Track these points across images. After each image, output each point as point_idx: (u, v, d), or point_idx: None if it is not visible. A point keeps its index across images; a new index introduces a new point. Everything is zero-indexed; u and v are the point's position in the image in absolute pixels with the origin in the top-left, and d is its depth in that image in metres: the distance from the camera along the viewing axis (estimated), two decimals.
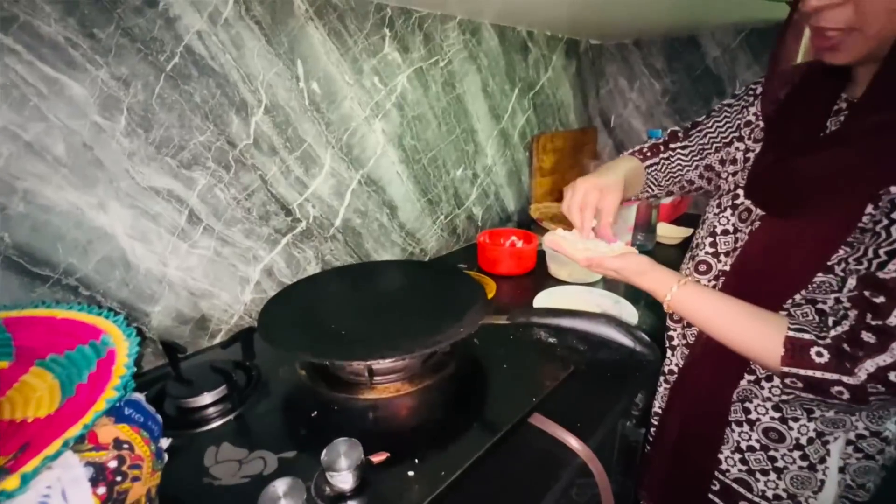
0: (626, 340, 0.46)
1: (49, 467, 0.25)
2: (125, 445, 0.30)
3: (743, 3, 0.95)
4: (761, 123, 0.57)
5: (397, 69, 0.92)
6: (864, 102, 0.45)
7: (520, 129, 1.30)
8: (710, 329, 0.50)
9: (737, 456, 0.57)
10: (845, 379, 0.40)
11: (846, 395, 0.41)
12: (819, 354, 0.42)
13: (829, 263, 0.45)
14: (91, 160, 0.58)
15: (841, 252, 0.45)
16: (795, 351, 0.43)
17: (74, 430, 0.26)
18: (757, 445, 0.55)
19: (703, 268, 0.59)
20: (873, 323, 0.40)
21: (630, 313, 0.79)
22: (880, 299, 0.40)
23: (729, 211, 0.57)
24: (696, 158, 0.67)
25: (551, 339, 0.69)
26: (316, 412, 0.48)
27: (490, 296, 0.89)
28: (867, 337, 0.40)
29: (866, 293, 0.41)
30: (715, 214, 0.59)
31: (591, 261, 0.55)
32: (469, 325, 0.49)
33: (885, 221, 0.41)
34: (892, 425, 0.50)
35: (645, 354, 0.46)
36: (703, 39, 1.32)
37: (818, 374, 0.42)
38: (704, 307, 0.50)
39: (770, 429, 0.54)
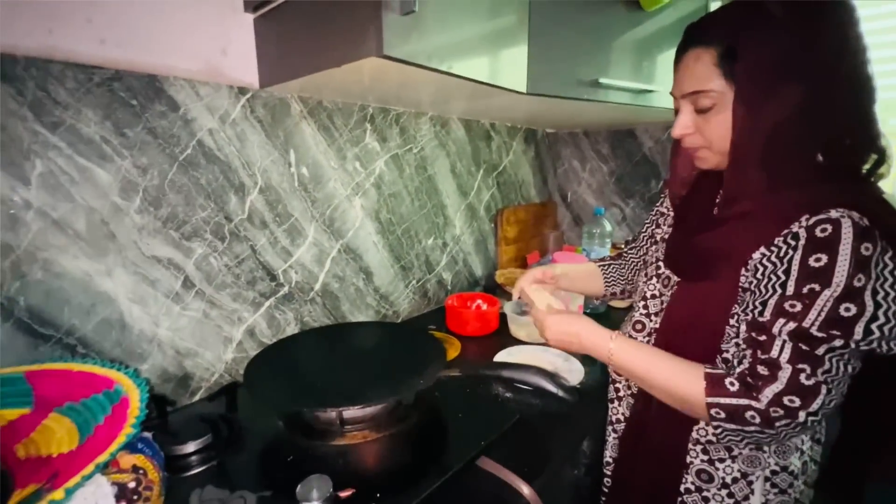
0: (550, 387, 0.55)
1: (84, 485, 0.32)
2: (141, 471, 0.37)
3: (663, 112, 1.18)
4: (671, 214, 0.73)
5: (376, 155, 1.07)
6: (724, 197, 0.59)
7: (485, 203, 1.46)
8: (644, 376, 0.59)
9: (678, 498, 0.64)
10: (753, 403, 0.50)
11: (757, 420, 0.50)
12: (731, 384, 0.52)
13: (729, 316, 0.57)
14: (106, 234, 0.68)
15: (734, 308, 0.56)
16: (714, 382, 0.53)
17: (103, 457, 0.33)
18: (692, 487, 0.63)
19: (638, 326, 0.70)
20: (762, 357, 0.51)
21: (577, 369, 0.88)
22: (762, 338, 0.51)
23: (654, 279, 0.69)
24: (641, 254, 0.83)
25: (508, 394, 0.78)
26: (292, 457, 0.55)
27: (455, 354, 0.98)
28: (762, 370, 0.50)
29: (753, 334, 0.52)
30: (644, 282, 0.72)
31: (533, 314, 0.68)
32: (427, 379, 0.57)
33: (755, 280, 0.54)
34: (795, 460, 0.59)
35: (567, 399, 0.55)
36: (639, 132, 1.56)
37: (733, 400, 0.51)
38: (636, 357, 0.60)
39: (701, 470, 0.62)
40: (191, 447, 0.56)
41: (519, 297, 0.76)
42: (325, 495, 0.44)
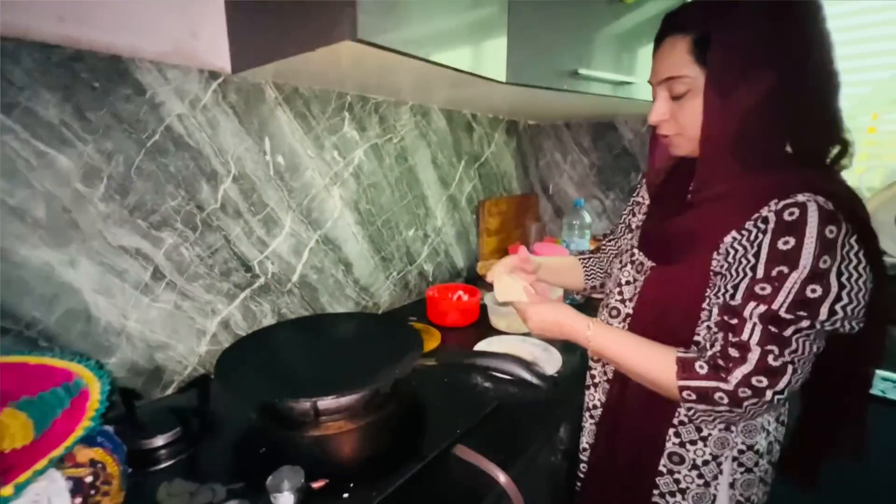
0: (525, 375, 0.56)
1: (37, 480, 0.30)
2: (99, 465, 0.35)
3: (643, 104, 1.19)
4: (647, 203, 0.74)
5: (355, 144, 1.05)
6: (697, 182, 0.61)
7: (467, 195, 1.46)
8: (621, 360, 0.61)
9: (653, 481, 0.65)
10: (721, 385, 0.52)
11: (726, 400, 0.52)
12: (701, 367, 0.53)
13: (701, 299, 0.58)
14: (68, 222, 0.65)
15: (706, 291, 0.58)
16: (685, 366, 0.54)
17: (58, 451, 0.32)
18: (664, 470, 0.64)
19: (614, 312, 0.71)
20: (734, 340, 0.52)
21: (556, 358, 0.89)
22: (734, 321, 0.53)
23: (629, 265, 0.71)
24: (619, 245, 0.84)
25: (487, 384, 0.78)
26: (265, 449, 0.54)
27: (435, 345, 0.98)
28: (732, 352, 0.52)
29: (725, 318, 0.54)
30: (619, 269, 0.73)
31: (515, 306, 0.68)
32: (403, 368, 0.57)
33: (726, 264, 0.56)
34: (761, 440, 0.61)
35: (541, 387, 0.55)
36: (620, 125, 1.58)
37: (703, 383, 0.53)
38: (613, 342, 0.61)
39: (673, 453, 0.63)
40: (159, 441, 0.55)
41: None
42: (296, 486, 0.43)
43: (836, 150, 0.55)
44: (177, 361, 0.80)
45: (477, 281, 1.40)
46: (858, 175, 1.25)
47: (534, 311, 0.67)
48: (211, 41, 0.77)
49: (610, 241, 0.88)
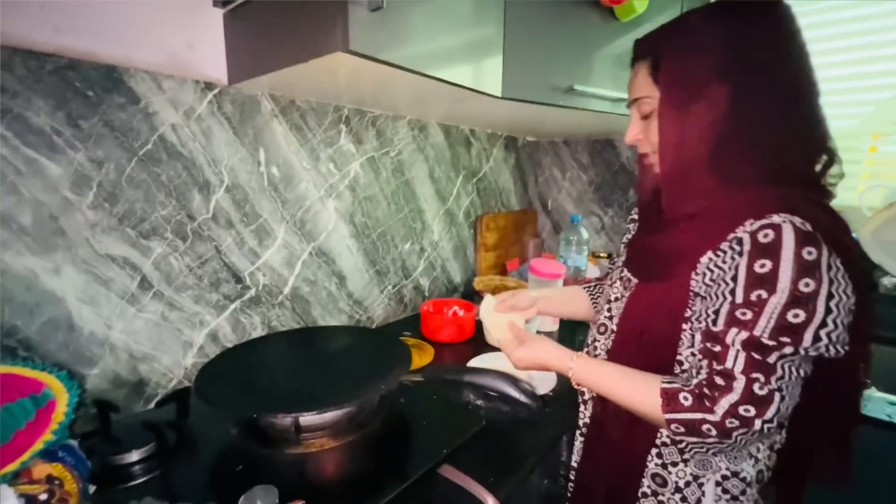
0: (513, 392, 0.54)
1: None
2: (56, 482, 0.33)
3: None
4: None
5: (351, 157, 1.05)
6: (664, 201, 0.60)
7: (464, 209, 1.45)
8: (606, 393, 0.60)
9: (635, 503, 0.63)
10: (708, 416, 0.49)
11: (714, 432, 0.50)
12: (685, 399, 0.51)
13: (681, 321, 0.56)
14: (54, 229, 0.64)
15: (687, 312, 0.56)
16: (669, 399, 0.52)
17: (12, 466, 0.30)
18: (648, 491, 0.62)
19: (602, 329, 0.70)
20: (718, 368, 0.50)
21: (551, 376, 0.86)
22: (717, 348, 0.51)
23: (618, 282, 0.70)
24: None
25: (478, 401, 0.76)
26: (242, 466, 0.51)
27: (428, 360, 0.96)
28: (718, 380, 0.50)
29: (708, 345, 0.52)
30: (609, 286, 0.73)
31: (502, 346, 0.69)
32: (388, 383, 0.55)
33: (704, 286, 0.54)
34: (748, 467, 0.58)
35: (530, 406, 0.53)
36: (618, 142, 1.58)
37: (689, 415, 0.51)
38: (596, 376, 0.61)
39: (656, 474, 0.61)
40: (133, 456, 0.52)
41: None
42: None
43: (822, 161, 0.54)
44: (161, 374, 0.78)
45: (473, 296, 1.38)
46: (860, 195, 1.24)
47: (516, 356, 0.68)
48: (208, 52, 0.77)
49: (615, 264, 0.87)
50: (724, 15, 0.53)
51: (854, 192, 1.27)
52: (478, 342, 1.07)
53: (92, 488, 0.38)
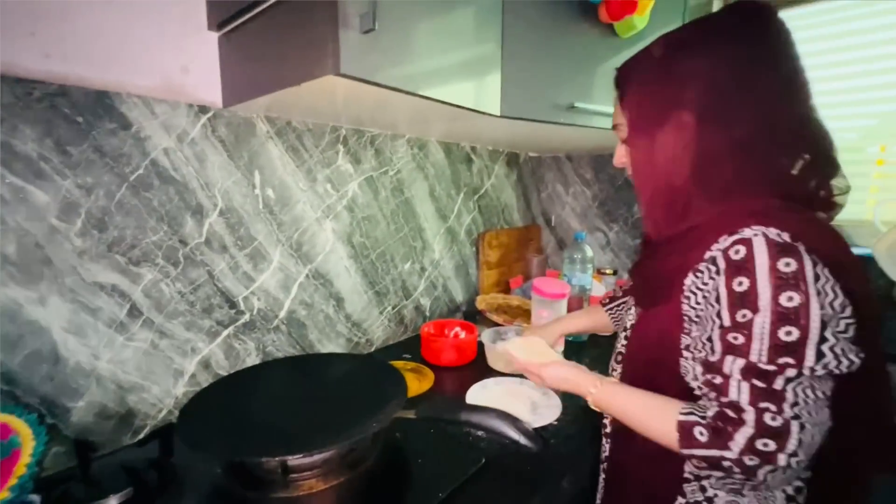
0: (512, 434, 0.50)
1: None
2: None
3: None
4: None
5: (349, 177, 1.04)
6: (644, 225, 0.61)
7: (466, 227, 1.43)
8: (625, 420, 0.57)
9: None
10: (726, 454, 0.46)
11: (736, 469, 0.46)
12: (701, 434, 0.47)
13: (680, 348, 0.54)
14: (40, 258, 0.62)
15: (685, 339, 0.53)
16: (685, 434, 0.49)
17: None
18: None
19: (619, 357, 0.67)
20: (724, 400, 0.47)
21: (556, 404, 0.83)
22: (718, 380, 0.48)
23: (633, 309, 0.68)
24: None
25: (478, 433, 0.72)
26: None
27: (428, 386, 0.92)
28: (729, 412, 0.46)
29: (709, 377, 0.49)
30: (625, 312, 0.72)
31: (524, 366, 0.69)
32: (381, 422, 0.52)
33: (693, 310, 0.52)
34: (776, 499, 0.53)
35: (529, 447, 0.50)
36: None
37: (706, 452, 0.47)
38: (617, 403, 0.58)
39: None
40: (111, 502, 0.49)
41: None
42: None
43: (816, 175, 0.52)
44: (151, 404, 0.75)
45: (476, 316, 1.35)
46: (872, 208, 1.20)
47: (546, 373, 0.67)
48: (202, 76, 0.76)
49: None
50: (691, 40, 0.53)
51: (864, 205, 1.23)
52: (480, 365, 1.04)
53: None
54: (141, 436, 0.74)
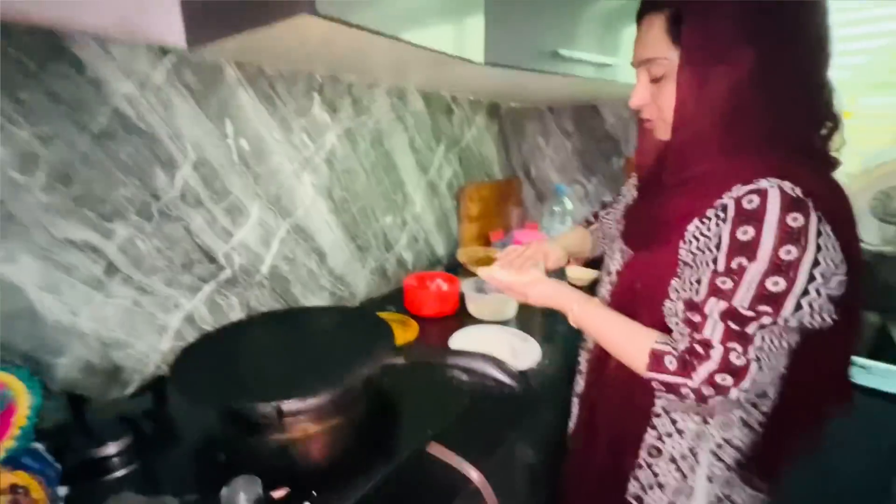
0: (497, 374, 0.54)
1: None
2: (20, 490, 0.32)
3: (626, 88, 1.15)
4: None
5: (326, 128, 1.00)
6: (668, 168, 0.58)
7: (447, 180, 1.42)
8: (601, 340, 0.61)
9: (630, 472, 0.64)
10: (688, 382, 0.50)
11: (691, 395, 0.51)
12: (670, 363, 0.52)
13: (668, 289, 0.56)
14: (4, 214, 0.59)
15: (674, 282, 0.56)
16: (655, 361, 0.53)
17: None
18: (643, 463, 0.63)
19: (594, 299, 0.69)
20: (697, 337, 0.51)
21: (534, 349, 0.88)
22: (697, 318, 0.51)
23: (618, 254, 0.68)
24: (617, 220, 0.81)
25: (463, 377, 0.76)
26: (224, 456, 0.51)
27: (413, 337, 0.95)
28: (697, 349, 0.50)
29: (689, 314, 0.52)
30: (609, 258, 0.72)
31: (508, 285, 0.69)
32: (370, 366, 0.54)
33: (691, 255, 0.53)
34: (739, 433, 0.58)
35: (513, 387, 0.54)
36: (602, 109, 1.55)
37: (669, 378, 0.52)
38: (596, 323, 0.61)
39: (651, 446, 0.62)
40: (109, 449, 0.51)
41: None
42: (253, 498, 0.41)
43: (827, 128, 0.52)
44: (137, 360, 0.76)
45: (457, 268, 1.37)
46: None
47: (533, 292, 0.68)
48: (161, 14, 0.70)
49: (608, 213, 0.87)
50: None
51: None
52: (462, 315, 1.07)
53: (63, 490, 0.36)
54: (130, 389, 0.75)
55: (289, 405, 0.51)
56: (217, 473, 0.48)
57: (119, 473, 0.49)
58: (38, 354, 0.65)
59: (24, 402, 0.36)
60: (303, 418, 0.53)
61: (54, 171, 0.63)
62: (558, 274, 1.30)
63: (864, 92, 1.24)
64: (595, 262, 0.93)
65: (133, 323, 0.74)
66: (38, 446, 0.37)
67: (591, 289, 1.17)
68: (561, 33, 0.94)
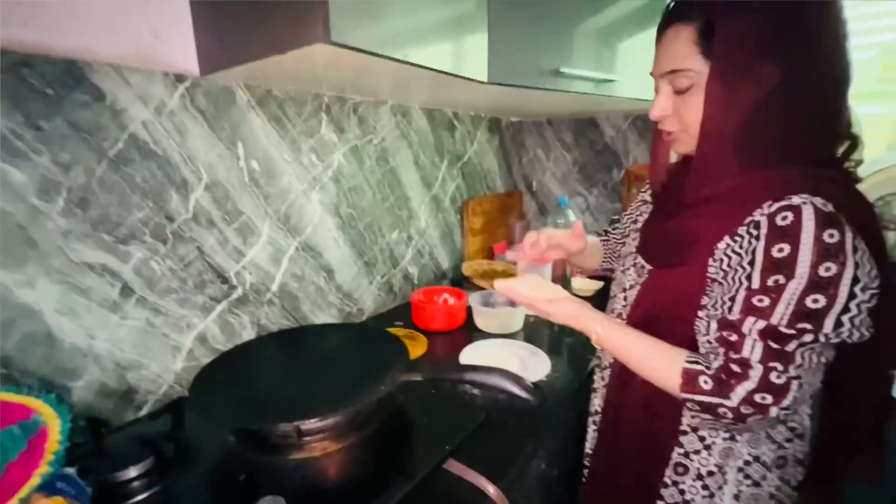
0: (513, 388, 0.55)
1: None
2: None
3: (624, 101, 1.18)
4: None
5: (334, 147, 1.02)
6: (692, 181, 0.57)
7: (450, 194, 1.44)
8: (628, 363, 0.58)
9: (658, 491, 0.62)
10: (725, 402, 0.49)
11: (729, 415, 0.49)
12: (706, 382, 0.51)
13: (695, 308, 0.55)
14: (24, 240, 0.60)
15: (704, 300, 0.55)
16: (689, 380, 0.51)
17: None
18: (669, 482, 0.61)
19: (618, 318, 0.67)
20: (734, 356, 0.49)
21: (544, 361, 0.88)
22: (734, 337, 0.50)
23: (632, 269, 0.68)
24: (624, 236, 0.82)
25: (475, 391, 0.76)
26: (244, 476, 0.51)
27: (422, 351, 0.96)
28: (734, 368, 0.49)
29: (724, 333, 0.51)
30: (622, 272, 0.71)
31: (529, 301, 0.64)
32: (389, 384, 0.55)
33: (721, 272, 0.53)
34: (766, 450, 0.57)
35: (528, 400, 0.54)
36: (601, 122, 1.58)
37: (706, 398, 0.50)
38: (622, 345, 0.58)
39: (678, 463, 0.60)
40: (131, 472, 0.51)
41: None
42: None
43: (845, 146, 0.53)
44: (151, 381, 0.76)
45: (462, 282, 1.38)
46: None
47: (553, 309, 0.64)
48: (175, 42, 0.72)
49: (616, 229, 0.87)
50: None
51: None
52: (469, 329, 1.08)
53: None
54: (144, 411, 0.75)
55: (308, 424, 0.52)
56: (239, 494, 0.49)
57: (142, 496, 0.49)
58: (54, 378, 0.65)
59: (55, 426, 0.37)
60: (322, 437, 0.53)
61: (73, 196, 0.64)
62: (563, 283, 1.31)
63: (853, 102, 1.26)
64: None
65: (147, 344, 0.75)
66: (71, 471, 0.38)
67: (594, 300, 1.19)
68: (562, 51, 0.97)
